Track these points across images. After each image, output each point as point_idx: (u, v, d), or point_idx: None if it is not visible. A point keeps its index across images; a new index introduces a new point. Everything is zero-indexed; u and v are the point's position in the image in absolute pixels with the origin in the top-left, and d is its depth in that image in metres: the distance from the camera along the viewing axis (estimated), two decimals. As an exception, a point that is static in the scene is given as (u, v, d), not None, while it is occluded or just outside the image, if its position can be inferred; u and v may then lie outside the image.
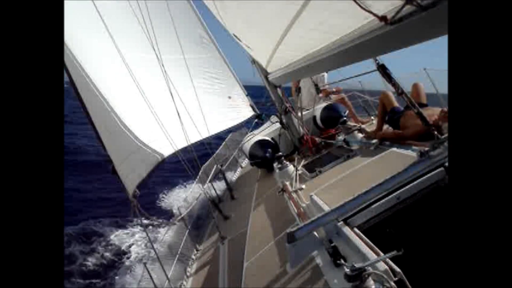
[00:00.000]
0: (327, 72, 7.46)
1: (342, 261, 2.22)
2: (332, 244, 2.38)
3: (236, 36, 5.40)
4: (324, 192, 3.36)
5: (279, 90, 6.36)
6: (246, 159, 10.15)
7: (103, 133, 4.75)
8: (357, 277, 1.80)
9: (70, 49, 5.13)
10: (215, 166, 8.81)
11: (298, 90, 6.36)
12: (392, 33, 1.96)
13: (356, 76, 4.38)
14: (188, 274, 5.74)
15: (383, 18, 1.81)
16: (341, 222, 2.54)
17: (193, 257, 6.29)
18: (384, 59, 3.34)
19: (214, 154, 9.79)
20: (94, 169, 16.56)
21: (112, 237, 10.50)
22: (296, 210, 3.55)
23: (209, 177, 8.20)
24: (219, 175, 8.79)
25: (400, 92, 3.45)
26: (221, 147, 10.87)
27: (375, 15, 1.83)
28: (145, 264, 4.59)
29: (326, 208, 2.84)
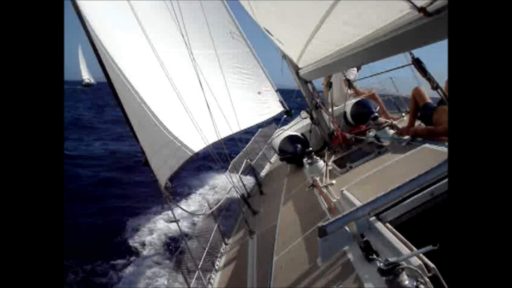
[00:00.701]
0: (360, 68, 7.41)
1: (374, 256, 2.21)
2: (364, 239, 2.36)
3: (267, 31, 5.40)
4: (355, 187, 3.33)
5: (309, 85, 6.34)
6: (275, 154, 10.16)
7: (136, 126, 4.81)
8: (391, 271, 1.78)
9: (104, 45, 5.23)
10: (244, 161, 8.85)
11: (330, 85, 6.32)
12: (430, 25, 1.93)
13: (388, 70, 4.34)
14: (216, 267, 5.79)
15: (421, 10, 1.79)
16: (373, 217, 2.52)
17: (222, 250, 6.34)
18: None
19: (244, 149, 9.82)
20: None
21: (142, 228, 10.65)
22: (326, 205, 3.53)
23: (239, 172, 8.24)
24: (249, 170, 8.82)
25: (435, 87, 3.39)
26: (250, 142, 10.90)
27: (414, 5, 1.81)
28: (175, 255, 4.64)
29: (358, 203, 2.82)
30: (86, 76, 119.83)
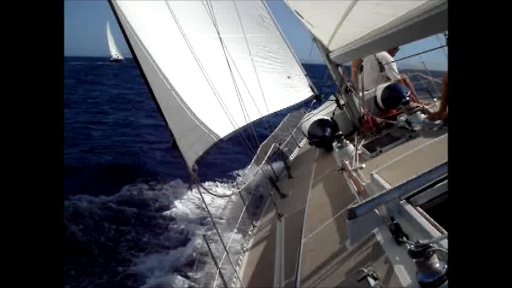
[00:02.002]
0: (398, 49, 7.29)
1: (404, 239, 2.20)
2: (394, 222, 2.35)
3: (298, 13, 5.35)
4: (385, 171, 3.31)
5: (340, 69, 6.28)
6: (304, 138, 10.13)
7: (164, 108, 4.85)
8: (422, 253, 1.77)
9: (133, 27, 5.26)
10: (273, 145, 8.86)
11: (361, 68, 6.25)
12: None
13: (421, 53, 4.25)
14: (244, 249, 5.84)
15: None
16: (404, 201, 2.50)
17: (250, 233, 6.39)
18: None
19: (273, 133, 9.82)
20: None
21: (171, 210, 10.81)
22: (356, 189, 3.52)
23: (267, 155, 8.26)
24: (277, 154, 8.83)
25: None
26: (279, 126, 10.89)
27: None
28: (204, 236, 4.70)
29: (388, 187, 2.80)
30: (114, 52, 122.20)
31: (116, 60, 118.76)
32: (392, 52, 7.18)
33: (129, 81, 52.80)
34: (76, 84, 49.45)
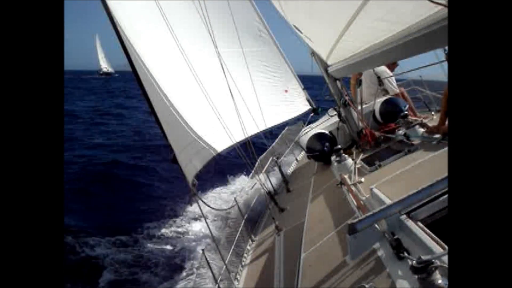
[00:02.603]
0: (397, 65, 7.32)
1: (406, 254, 2.19)
2: (394, 237, 2.34)
3: (296, 27, 5.38)
4: (385, 185, 3.30)
5: (338, 83, 6.30)
6: (302, 152, 10.13)
7: (164, 123, 4.86)
8: (424, 269, 1.76)
9: (131, 41, 5.28)
10: (270, 159, 8.85)
11: (359, 83, 6.27)
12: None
13: (420, 68, 4.26)
14: (243, 264, 5.81)
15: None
16: (404, 215, 2.50)
17: (248, 247, 6.36)
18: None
19: (270, 147, 9.83)
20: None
21: (169, 224, 10.78)
22: (355, 203, 3.51)
23: (265, 169, 8.24)
24: (275, 167, 8.83)
25: None
26: (277, 140, 10.91)
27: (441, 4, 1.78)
28: (203, 250, 4.68)
29: (388, 201, 2.79)
30: (104, 65, 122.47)
31: (107, 74, 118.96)
32: (392, 67, 7.21)
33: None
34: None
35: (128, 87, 67.03)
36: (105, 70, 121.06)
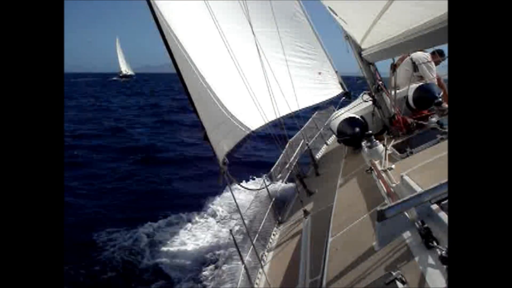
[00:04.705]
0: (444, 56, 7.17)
1: (435, 244, 2.17)
2: (424, 226, 2.32)
3: (331, 9, 5.31)
4: (416, 173, 3.26)
5: (372, 68, 6.21)
6: (332, 136, 10.07)
7: (196, 101, 4.87)
8: (453, 260, 1.74)
9: (166, 19, 5.29)
10: (301, 141, 8.83)
11: (394, 68, 6.17)
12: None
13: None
14: (269, 246, 5.85)
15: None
16: (435, 205, 2.46)
17: (275, 229, 6.39)
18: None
19: (301, 129, 9.79)
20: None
21: (198, 202, 10.92)
22: (385, 190, 3.48)
23: (295, 152, 8.23)
24: (305, 150, 8.81)
25: None
26: (308, 122, 10.85)
27: None
28: (230, 230, 4.72)
29: (418, 189, 2.76)
30: (124, 68, 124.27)
31: (126, 76, 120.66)
32: (438, 61, 7.05)
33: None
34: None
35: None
36: (124, 72, 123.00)
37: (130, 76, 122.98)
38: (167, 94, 60.36)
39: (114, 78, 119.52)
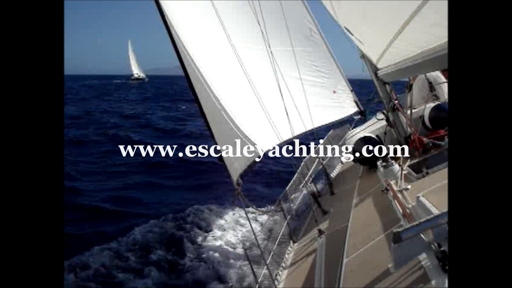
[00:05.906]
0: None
1: None
2: (441, 249, 2.29)
3: (347, 29, 5.33)
4: (432, 194, 3.23)
5: (387, 87, 6.20)
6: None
7: (210, 121, 4.89)
8: (470, 284, 1.71)
9: (181, 38, 5.34)
10: (316, 160, 8.81)
11: (410, 87, 6.14)
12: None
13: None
14: (283, 265, 5.81)
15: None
16: None
17: (290, 248, 6.35)
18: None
19: (316, 148, 9.77)
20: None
21: (213, 223, 10.89)
22: (401, 211, 3.44)
23: (310, 171, 8.21)
24: (320, 169, 8.78)
25: None
26: (323, 141, 10.83)
27: None
28: (245, 250, 4.71)
29: (435, 211, 2.73)
30: (136, 71, 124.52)
31: (138, 79, 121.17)
32: None
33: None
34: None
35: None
36: (136, 75, 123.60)
37: (141, 79, 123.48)
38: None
39: (131, 79, 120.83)
